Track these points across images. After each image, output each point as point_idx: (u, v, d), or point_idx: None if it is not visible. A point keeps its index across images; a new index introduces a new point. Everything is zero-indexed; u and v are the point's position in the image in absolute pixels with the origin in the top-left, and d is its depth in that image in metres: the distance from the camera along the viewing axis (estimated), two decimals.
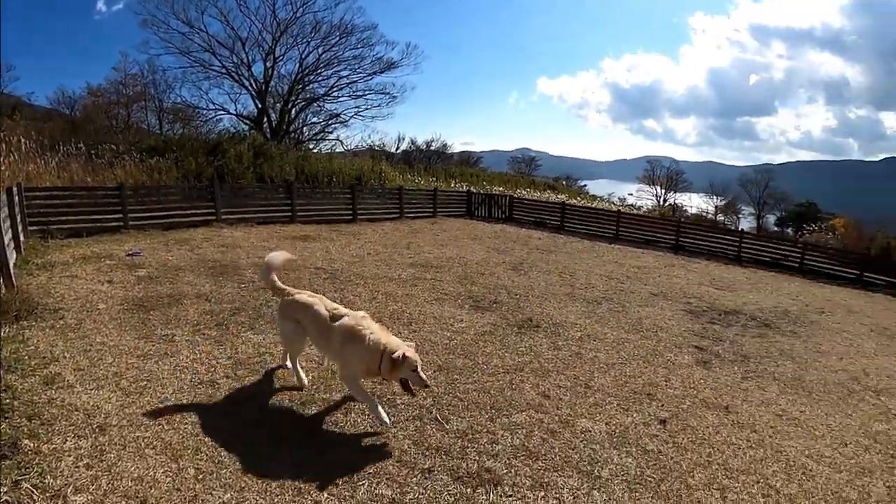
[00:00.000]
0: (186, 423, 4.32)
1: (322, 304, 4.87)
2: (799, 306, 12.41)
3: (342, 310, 4.77)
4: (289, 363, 5.21)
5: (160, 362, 5.39)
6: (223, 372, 5.32)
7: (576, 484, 4.09)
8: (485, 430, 4.67)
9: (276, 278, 5.21)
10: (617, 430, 4.98)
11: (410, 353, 4.31)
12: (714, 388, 6.44)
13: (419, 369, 4.33)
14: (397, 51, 40.14)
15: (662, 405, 5.69)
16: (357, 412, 4.76)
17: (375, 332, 4.46)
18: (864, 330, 11.04)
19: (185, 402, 4.68)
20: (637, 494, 4.07)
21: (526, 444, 4.52)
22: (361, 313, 4.72)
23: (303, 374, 5.15)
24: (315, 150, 34.61)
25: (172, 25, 31.67)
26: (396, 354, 4.21)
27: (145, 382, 4.93)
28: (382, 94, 37.41)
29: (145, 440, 4.03)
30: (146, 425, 4.23)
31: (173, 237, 12.08)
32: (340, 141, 38.73)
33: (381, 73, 36.93)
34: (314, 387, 5.18)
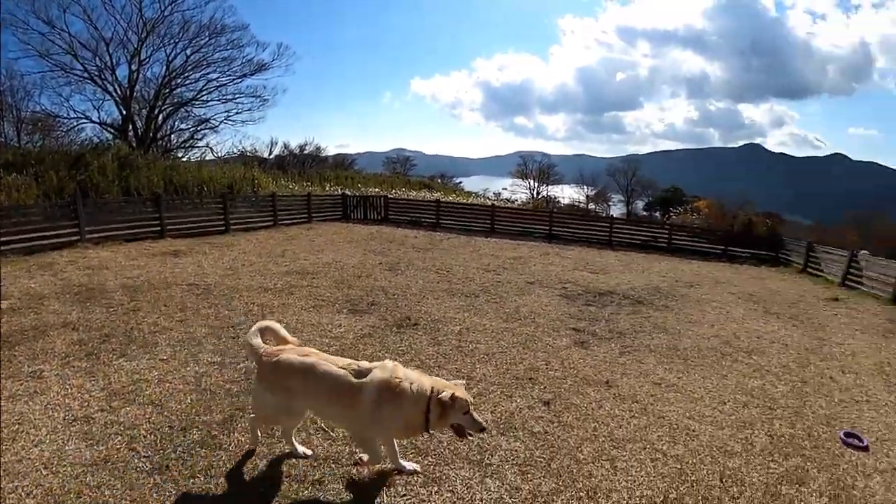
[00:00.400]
0: (65, 466, 4.03)
1: (324, 359, 3.93)
2: (669, 282, 13.45)
3: (363, 363, 3.96)
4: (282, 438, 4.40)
5: (30, 402, 4.99)
6: (97, 405, 4.97)
7: (468, 474, 4.13)
8: None
9: (257, 342, 4.14)
10: (503, 417, 5.09)
11: (461, 392, 3.79)
12: (593, 365, 6.78)
13: (472, 410, 3.82)
14: (268, 52, 39.36)
15: (545, 388, 5.89)
16: (241, 431, 4.55)
17: (415, 378, 3.86)
18: (731, 298, 12.12)
19: (60, 442, 4.37)
20: (529, 476, 4.16)
21: (413, 441, 4.47)
22: (391, 362, 3.98)
23: (301, 448, 4.31)
24: (184, 159, 33.05)
25: (32, 25, 29.13)
26: (444, 395, 3.69)
27: (17, 426, 4.58)
28: (253, 97, 36.74)
29: (24, 489, 3.76)
30: (23, 473, 3.94)
31: (36, 262, 11.12)
32: (210, 148, 37.32)
33: (252, 75, 36.23)
34: (193, 410, 4.90)
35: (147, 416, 4.78)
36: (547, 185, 79.06)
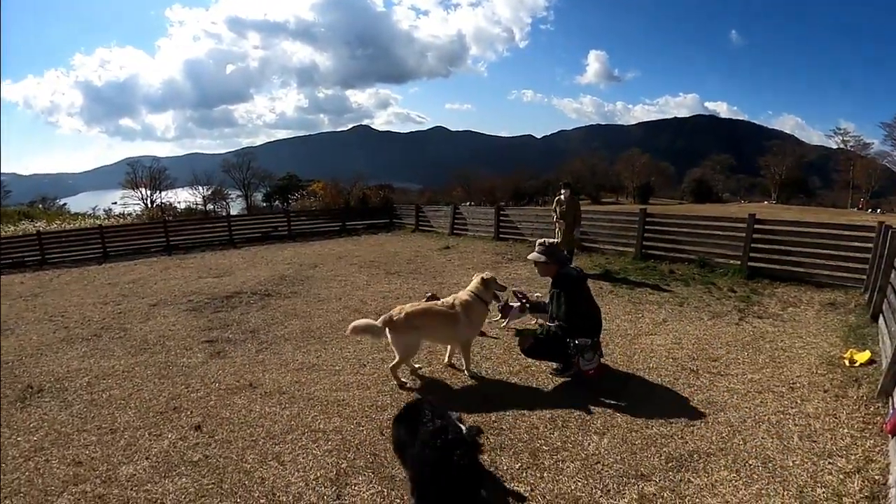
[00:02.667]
0: None
1: (425, 305, 6.19)
2: (294, 268, 14.06)
3: (445, 300, 6.17)
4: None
5: None
6: None
7: None
8: None
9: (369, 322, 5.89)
10: (159, 459, 4.76)
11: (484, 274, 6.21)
12: (233, 372, 6.75)
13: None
14: None
15: (191, 412, 5.67)
16: None
17: (467, 292, 6.09)
18: (354, 269, 13.25)
19: None
20: None
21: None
22: (460, 294, 6.11)
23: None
24: None
25: None
26: (485, 275, 6.16)
27: None
28: None
29: None
30: None
31: None
32: None
33: None
34: None
35: None
36: (160, 192, 74.38)
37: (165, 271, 15.48)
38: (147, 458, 4.82)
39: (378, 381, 6.09)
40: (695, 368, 6.03)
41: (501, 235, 17.21)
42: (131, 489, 4.37)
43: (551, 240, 6.05)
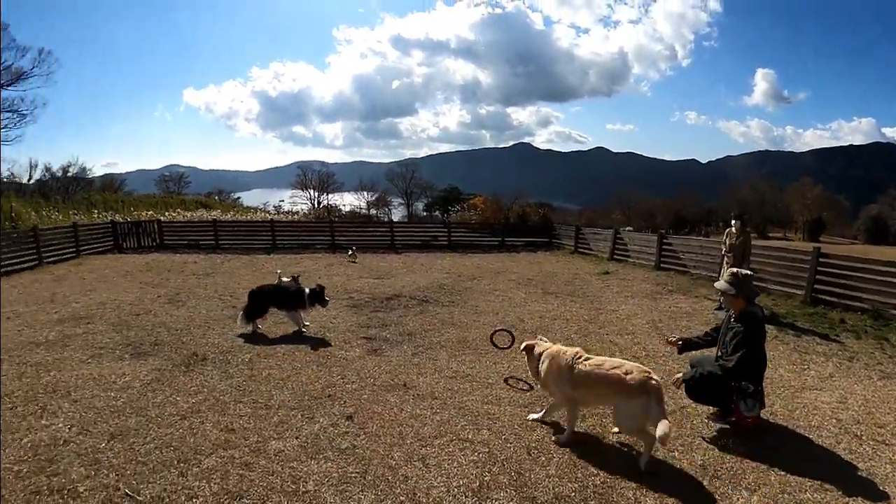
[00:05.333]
0: None
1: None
2: (453, 278, 14.26)
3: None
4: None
5: None
6: None
7: None
8: (180, 487, 4.28)
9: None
10: (308, 441, 5.00)
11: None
12: (389, 370, 6.96)
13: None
14: (28, 58, 33.97)
15: (345, 402, 5.91)
16: None
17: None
18: (512, 285, 13.21)
19: None
20: (348, 493, 4.15)
21: (225, 486, 4.26)
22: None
23: None
24: None
25: None
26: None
27: None
28: (10, 111, 32.21)
29: None
30: None
31: None
32: None
33: (9, 85, 31.66)
34: None
35: None
36: (327, 194, 79.12)
37: (329, 268, 16.40)
38: (297, 438, 5.07)
39: (530, 400, 5.99)
40: (859, 434, 5.32)
41: (663, 265, 16.36)
42: (277, 463, 4.61)
43: (745, 271, 5.59)
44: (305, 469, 4.50)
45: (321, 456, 4.72)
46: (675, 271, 15.64)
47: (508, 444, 4.92)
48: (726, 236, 11.05)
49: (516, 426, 5.29)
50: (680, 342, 5.87)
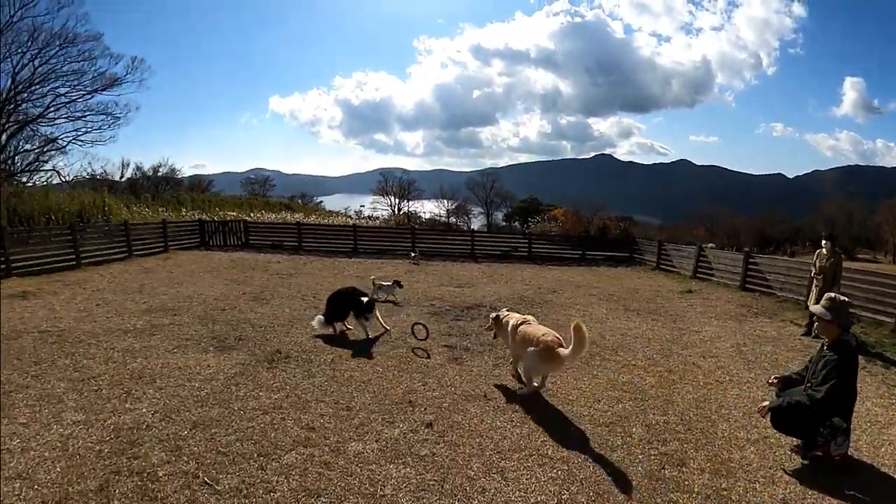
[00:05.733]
0: None
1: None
2: (533, 290, 14.18)
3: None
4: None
5: None
6: None
7: None
8: (258, 480, 4.42)
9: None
10: (388, 445, 5.07)
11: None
12: (470, 380, 6.98)
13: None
14: (122, 65, 35.73)
15: (425, 409, 5.96)
16: (119, 497, 4.15)
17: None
18: (593, 300, 13.02)
19: None
20: (424, 501, 4.20)
21: (303, 483, 4.37)
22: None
23: None
24: (29, 184, 29.95)
25: None
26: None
27: None
28: (104, 114, 34.25)
29: None
30: None
31: None
32: (57, 171, 34.26)
33: (104, 90, 33.73)
34: (65, 479, 4.36)
35: (16, 494, 4.23)
36: (408, 201, 79.98)
37: (409, 274, 16.56)
38: (377, 441, 5.15)
39: (611, 419, 5.88)
40: None
41: (748, 285, 15.58)
42: (356, 465, 4.69)
43: (843, 297, 5.30)
44: (384, 473, 4.57)
45: (400, 461, 4.78)
46: (761, 292, 14.90)
47: (588, 464, 4.85)
48: (816, 257, 10.49)
49: (596, 446, 5.20)
50: (778, 381, 5.61)
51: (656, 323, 10.78)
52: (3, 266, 13.86)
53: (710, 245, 18.41)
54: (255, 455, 4.83)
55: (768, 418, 5.18)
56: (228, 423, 5.51)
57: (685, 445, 5.28)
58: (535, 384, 6.47)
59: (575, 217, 40.66)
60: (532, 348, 6.19)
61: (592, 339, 8.94)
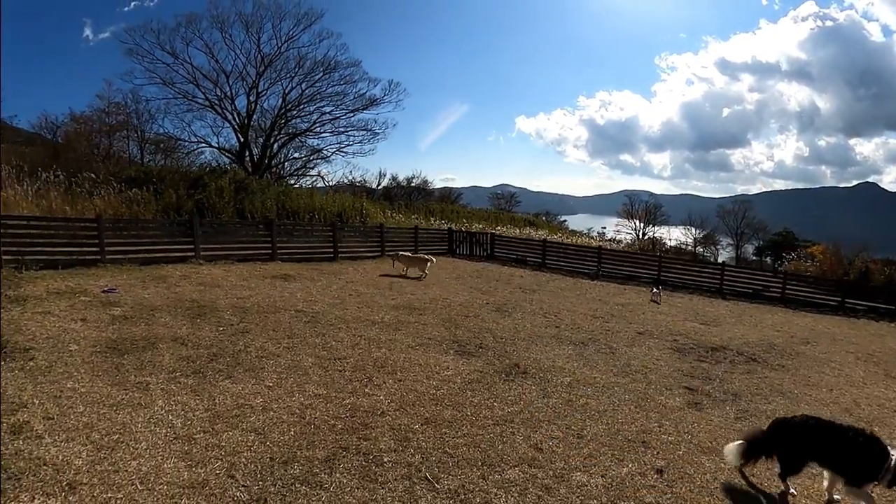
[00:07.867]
0: (162, 485, 4.08)
1: None
2: (784, 338, 12.56)
3: None
4: None
5: (134, 413, 5.17)
6: (199, 426, 5.08)
7: None
8: (477, 488, 4.47)
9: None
10: (613, 483, 4.83)
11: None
12: (708, 430, 6.32)
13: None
14: (380, 88, 40.28)
15: (658, 453, 5.56)
16: (343, 471, 4.52)
17: None
18: (850, 358, 11.21)
19: (160, 459, 4.42)
20: None
21: (521, 502, 4.35)
22: None
23: None
24: (296, 186, 34.85)
25: (157, 56, 32.41)
26: None
27: (118, 435, 4.71)
28: (364, 130, 38.09)
29: (118, 502, 3.83)
30: (119, 485, 4.00)
31: (150, 273, 11.86)
32: (321, 176, 39.33)
33: (364, 109, 37.68)
34: (296, 443, 4.94)
35: (249, 444, 4.79)
36: (653, 226, 76.38)
37: (653, 304, 15.78)
38: (602, 476, 4.91)
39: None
40: None
41: None
42: (577, 496, 4.53)
43: None
44: None
45: (621, 502, 4.53)
46: None
47: None
48: None
49: None
50: None
51: None
52: (269, 250, 16.01)
53: None
54: (480, 463, 4.89)
55: None
56: (459, 426, 5.66)
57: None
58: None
59: (834, 257, 35.51)
60: None
61: (846, 406, 7.83)
